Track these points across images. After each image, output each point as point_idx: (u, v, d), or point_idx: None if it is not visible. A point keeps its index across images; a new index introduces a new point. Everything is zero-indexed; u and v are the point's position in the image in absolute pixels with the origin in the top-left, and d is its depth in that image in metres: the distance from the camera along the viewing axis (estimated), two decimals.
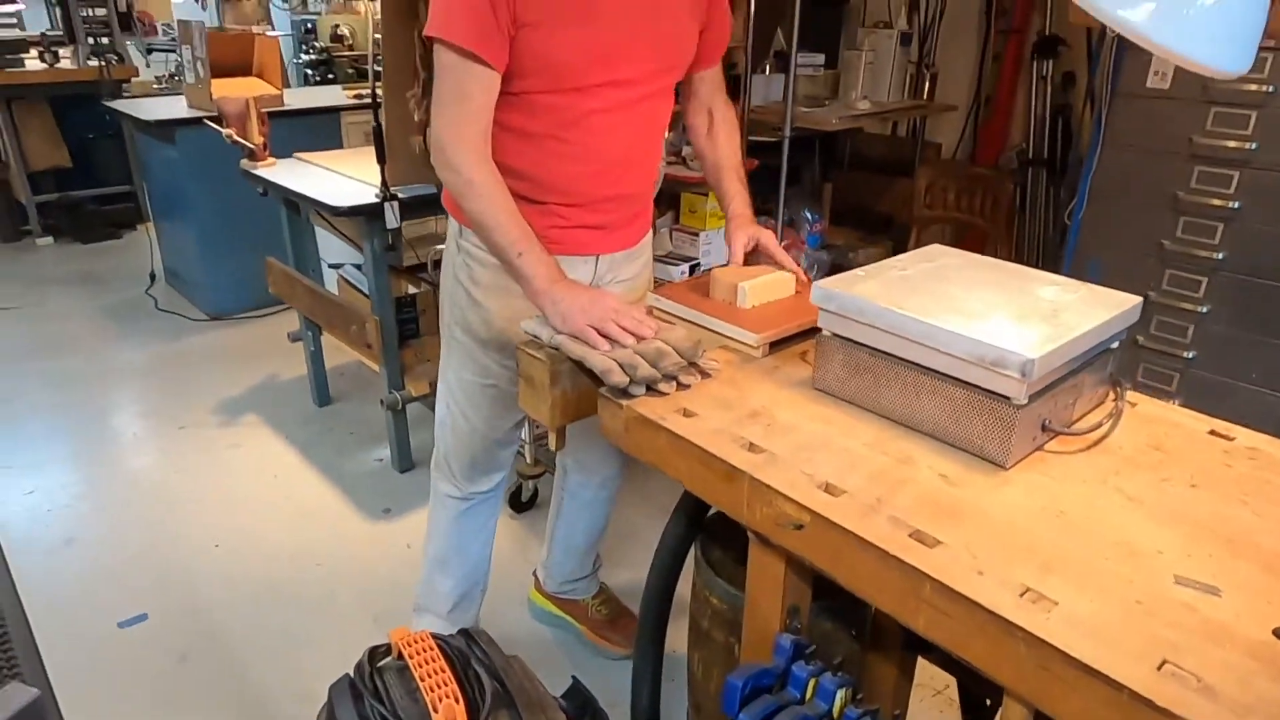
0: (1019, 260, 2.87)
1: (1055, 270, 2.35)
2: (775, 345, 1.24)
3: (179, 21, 4.08)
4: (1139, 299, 1.05)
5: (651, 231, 1.57)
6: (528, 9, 1.18)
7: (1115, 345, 1.06)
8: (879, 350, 1.02)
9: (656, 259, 2.47)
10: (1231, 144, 1.82)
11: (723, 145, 1.51)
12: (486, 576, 1.78)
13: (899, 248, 3.05)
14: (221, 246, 3.57)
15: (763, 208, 2.80)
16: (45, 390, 3.06)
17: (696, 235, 2.49)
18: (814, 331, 1.12)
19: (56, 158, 4.60)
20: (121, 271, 4.25)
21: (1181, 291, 1.98)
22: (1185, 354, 2.00)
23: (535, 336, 1.23)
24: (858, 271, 1.12)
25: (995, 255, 2.84)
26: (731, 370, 1.19)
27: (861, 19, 3.09)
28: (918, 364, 0.98)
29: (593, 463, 1.74)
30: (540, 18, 1.19)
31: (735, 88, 2.42)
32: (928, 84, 2.91)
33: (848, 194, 3.20)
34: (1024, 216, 2.90)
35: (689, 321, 1.30)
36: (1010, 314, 0.99)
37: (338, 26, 5.53)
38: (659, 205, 2.47)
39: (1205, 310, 1.95)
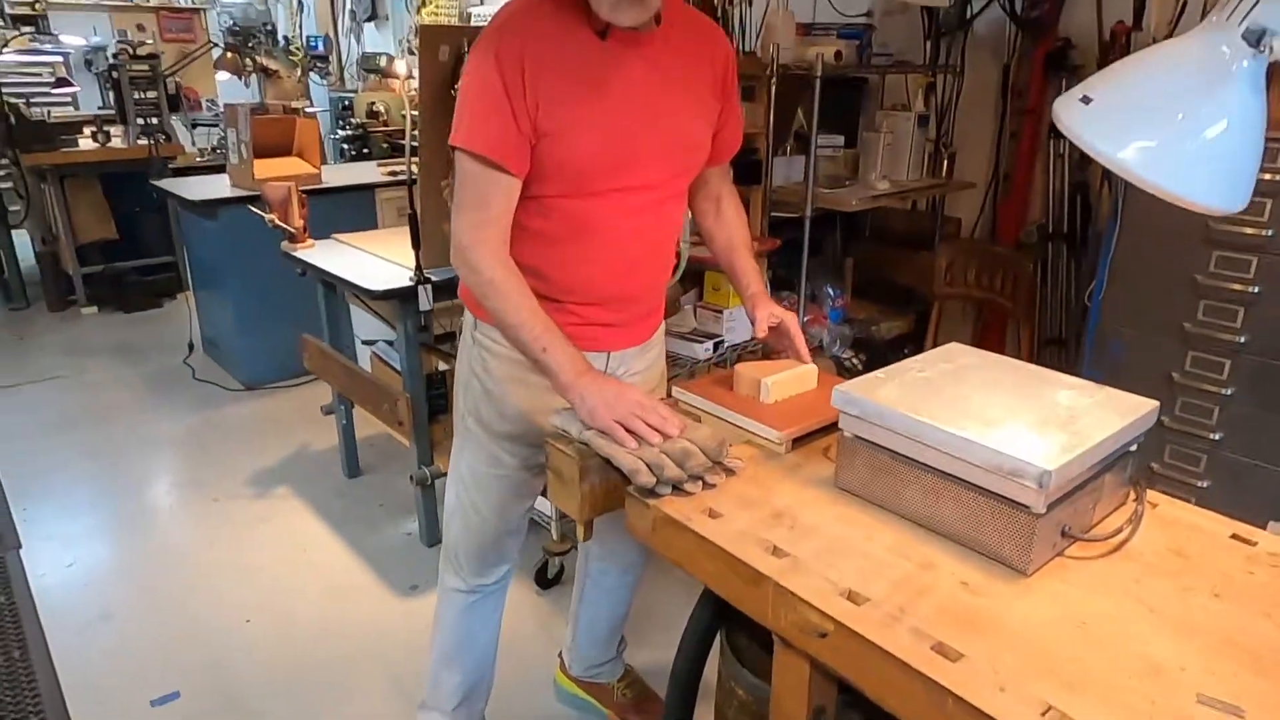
0: (1042, 335, 2.90)
1: (1078, 349, 2.37)
2: (798, 441, 1.27)
3: (226, 106, 4.28)
4: (1155, 404, 1.07)
5: (663, 326, 1.61)
6: (548, 118, 1.23)
7: (1134, 448, 1.08)
8: (899, 454, 1.05)
9: (682, 336, 2.52)
10: (1248, 230, 1.84)
11: (733, 225, 1.56)
12: (493, 669, 1.76)
13: (921, 322, 3.08)
14: (258, 318, 3.68)
15: (785, 283, 2.86)
16: (87, 460, 3.14)
17: (720, 312, 2.54)
18: (836, 426, 1.15)
19: (103, 231, 4.79)
20: (161, 340, 4.38)
21: (1205, 374, 1.98)
22: (1212, 435, 1.99)
23: (564, 431, 1.27)
24: (878, 374, 1.15)
25: (1018, 332, 2.87)
26: (755, 467, 1.21)
27: (880, 101, 3.18)
28: (937, 469, 1.01)
29: (616, 549, 1.76)
30: (559, 126, 1.24)
31: (756, 171, 2.50)
32: (946, 162, 2.97)
33: (869, 267, 3.25)
34: (1045, 290, 2.92)
35: (713, 416, 1.34)
36: (1027, 421, 1.01)
37: (373, 103, 5.76)
38: (683, 283, 2.53)
39: (1229, 392, 1.95)
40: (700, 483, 1.13)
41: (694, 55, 1.35)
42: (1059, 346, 2.93)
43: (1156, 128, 0.72)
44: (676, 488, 1.13)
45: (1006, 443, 0.95)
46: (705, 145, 1.42)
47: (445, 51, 2.10)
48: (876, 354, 3.05)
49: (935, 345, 2.86)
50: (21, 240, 5.01)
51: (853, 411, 1.09)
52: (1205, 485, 2.03)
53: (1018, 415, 1.03)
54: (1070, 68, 2.80)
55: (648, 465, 1.12)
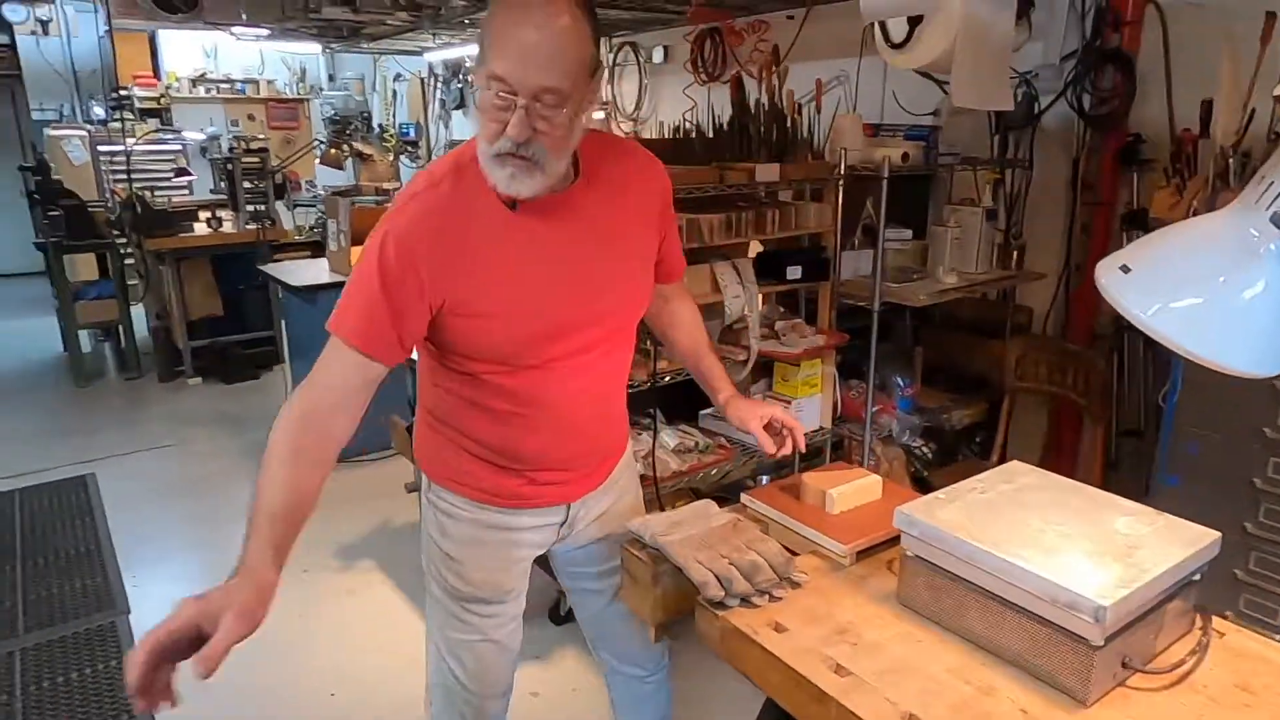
0: (1119, 427, 2.85)
1: (1157, 442, 2.33)
2: (862, 553, 1.32)
3: (328, 197, 4.63)
4: (1216, 535, 1.09)
5: (628, 455, 1.54)
6: (458, 302, 1.17)
7: (1197, 577, 1.10)
8: (959, 577, 1.09)
9: None
10: None
11: (693, 329, 1.55)
12: None
13: (993, 411, 3.07)
14: None
15: (854, 371, 2.91)
16: (190, 528, 3.36)
17: (789, 402, 2.61)
18: (899, 539, 1.20)
19: (211, 307, 5.17)
20: (259, 411, 4.66)
21: None
22: None
23: (639, 536, 1.36)
24: (939, 495, 1.21)
25: (1092, 431, 2.84)
26: (820, 578, 1.27)
27: (949, 193, 3.25)
28: (996, 594, 1.05)
29: (635, 654, 1.63)
30: (471, 310, 1.18)
31: (825, 268, 2.58)
32: (1016, 254, 3.00)
33: (939, 354, 3.27)
34: (1122, 381, 2.89)
35: (780, 525, 1.40)
36: (1086, 549, 1.05)
37: None
38: (754, 374, 2.61)
39: None
40: (767, 596, 1.20)
41: (624, 197, 1.28)
42: (1137, 439, 2.88)
43: (1191, 298, 0.78)
44: (744, 600, 1.19)
45: (1063, 573, 0.99)
46: (645, 291, 1.35)
47: None
48: (947, 443, 3.05)
49: (1007, 439, 2.87)
50: (138, 314, 5.44)
51: (913, 532, 1.14)
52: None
53: (1076, 543, 1.07)
54: (1141, 162, 2.82)
55: (717, 578, 1.19)
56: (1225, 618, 1.15)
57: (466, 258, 1.17)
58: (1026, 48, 2.82)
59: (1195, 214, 2.01)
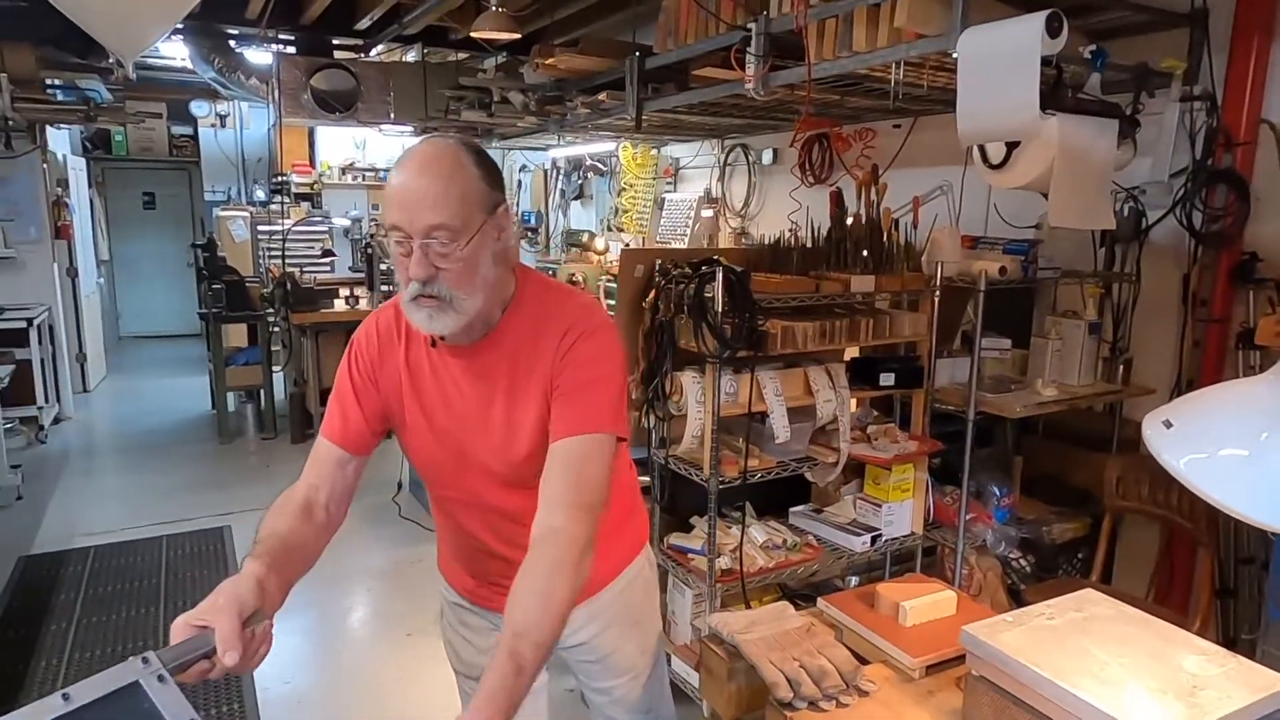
0: (1236, 553, 2.72)
1: (1262, 584, 2.23)
2: (932, 667, 1.37)
3: None
4: None
5: (619, 591, 1.54)
6: (392, 415, 1.37)
7: None
8: (1021, 701, 1.14)
9: (840, 527, 2.63)
10: None
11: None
12: None
13: (1095, 527, 2.98)
14: None
15: (950, 478, 2.91)
16: (309, 587, 3.57)
17: (880, 506, 2.64)
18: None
19: None
20: (376, 476, 4.98)
21: None
22: None
23: (718, 633, 1.45)
24: (1005, 617, 1.25)
25: (1203, 555, 2.72)
26: (889, 689, 1.33)
27: (1053, 304, 3.25)
28: None
29: None
30: (399, 426, 1.38)
31: (919, 375, 2.64)
32: (1121, 368, 2.96)
33: (1040, 463, 3.21)
34: None
35: (853, 632, 1.46)
36: (1147, 685, 1.08)
37: (574, 274, 6.44)
38: (845, 475, 2.66)
39: None
40: (834, 702, 1.27)
41: (530, 358, 1.30)
42: (1253, 565, 2.74)
43: (1228, 455, 0.84)
44: (812, 704, 1.26)
45: (1122, 708, 1.03)
46: (537, 454, 1.28)
47: (640, 269, 2.46)
48: (1046, 556, 2.98)
49: (1109, 558, 2.78)
50: (278, 380, 5.96)
51: (977, 653, 1.20)
52: None
53: (1139, 677, 1.10)
54: (1257, 280, 2.77)
55: (788, 679, 1.27)
56: None
57: (398, 376, 1.36)
58: (1134, 162, 2.85)
59: None
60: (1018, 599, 2.89)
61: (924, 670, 1.35)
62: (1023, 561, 2.95)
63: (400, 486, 4.70)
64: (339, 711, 2.73)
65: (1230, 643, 2.71)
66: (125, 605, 3.44)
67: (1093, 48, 2.51)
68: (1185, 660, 1.14)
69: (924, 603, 1.46)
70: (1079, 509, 3.07)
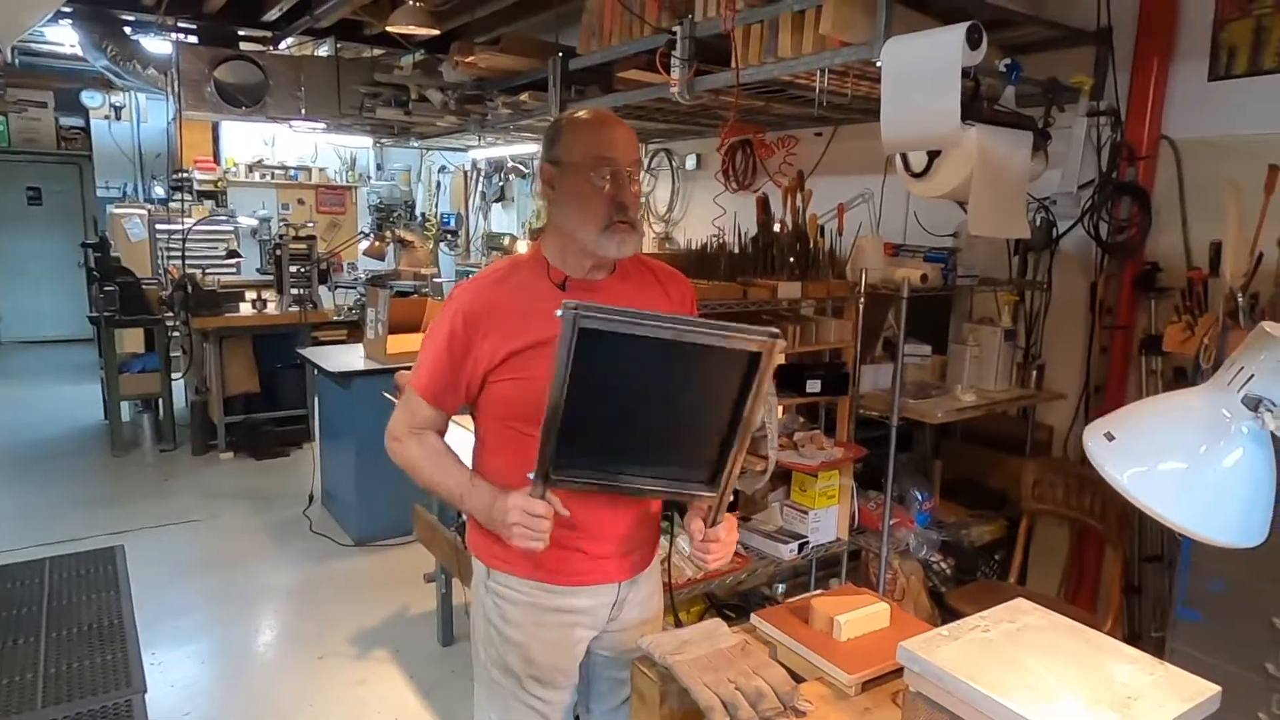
0: (1141, 551, 2.83)
1: (1172, 585, 2.32)
2: (868, 683, 1.34)
3: (369, 286, 4.83)
4: (1217, 689, 1.11)
5: (657, 562, 1.68)
6: (507, 367, 1.42)
7: None
8: (958, 717, 1.12)
9: (767, 535, 2.61)
10: None
11: None
12: None
13: (1012, 529, 3.06)
14: (374, 477, 3.97)
15: (873, 483, 2.93)
16: (213, 606, 3.41)
17: (807, 513, 2.64)
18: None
19: (249, 385, 5.33)
20: (286, 489, 4.75)
21: None
22: None
23: (649, 654, 1.39)
24: (941, 631, 1.24)
25: (1112, 555, 2.82)
26: (825, 708, 1.29)
27: (969, 311, 3.33)
28: None
29: None
30: (520, 373, 1.42)
31: (844, 382, 2.65)
32: (1035, 373, 3.05)
33: (959, 467, 3.29)
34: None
35: (787, 648, 1.43)
36: (1083, 697, 1.07)
37: None
38: (773, 483, 2.65)
39: None
40: None
41: (654, 290, 1.55)
42: (1159, 564, 2.85)
43: (1169, 468, 0.84)
44: None
45: None
46: None
47: None
48: (966, 559, 3.04)
49: (1025, 560, 2.85)
50: (178, 388, 5.62)
51: (915, 669, 1.17)
52: None
53: (1073, 689, 1.09)
54: (1158, 289, 2.89)
55: (723, 703, 1.22)
56: None
57: (522, 323, 1.41)
58: (1045, 174, 2.94)
59: (1206, 350, 2.07)
60: (939, 602, 2.94)
61: (860, 687, 1.32)
62: (943, 564, 3.00)
63: (311, 499, 4.48)
64: None
65: (1135, 638, 2.81)
66: (2, 635, 3.15)
67: (1008, 61, 2.57)
68: (1116, 670, 1.15)
69: (858, 616, 1.43)
70: (996, 511, 3.15)
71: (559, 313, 1.15)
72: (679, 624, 2.47)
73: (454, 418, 1.55)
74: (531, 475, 1.30)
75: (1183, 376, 2.90)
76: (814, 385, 2.56)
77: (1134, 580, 2.97)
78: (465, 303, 1.44)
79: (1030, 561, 2.94)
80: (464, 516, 1.75)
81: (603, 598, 1.52)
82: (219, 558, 3.87)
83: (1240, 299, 2.00)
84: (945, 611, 2.80)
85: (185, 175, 7.13)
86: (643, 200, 5.38)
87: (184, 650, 3.08)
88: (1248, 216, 2.02)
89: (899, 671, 1.32)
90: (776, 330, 1.23)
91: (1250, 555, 2.08)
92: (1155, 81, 2.88)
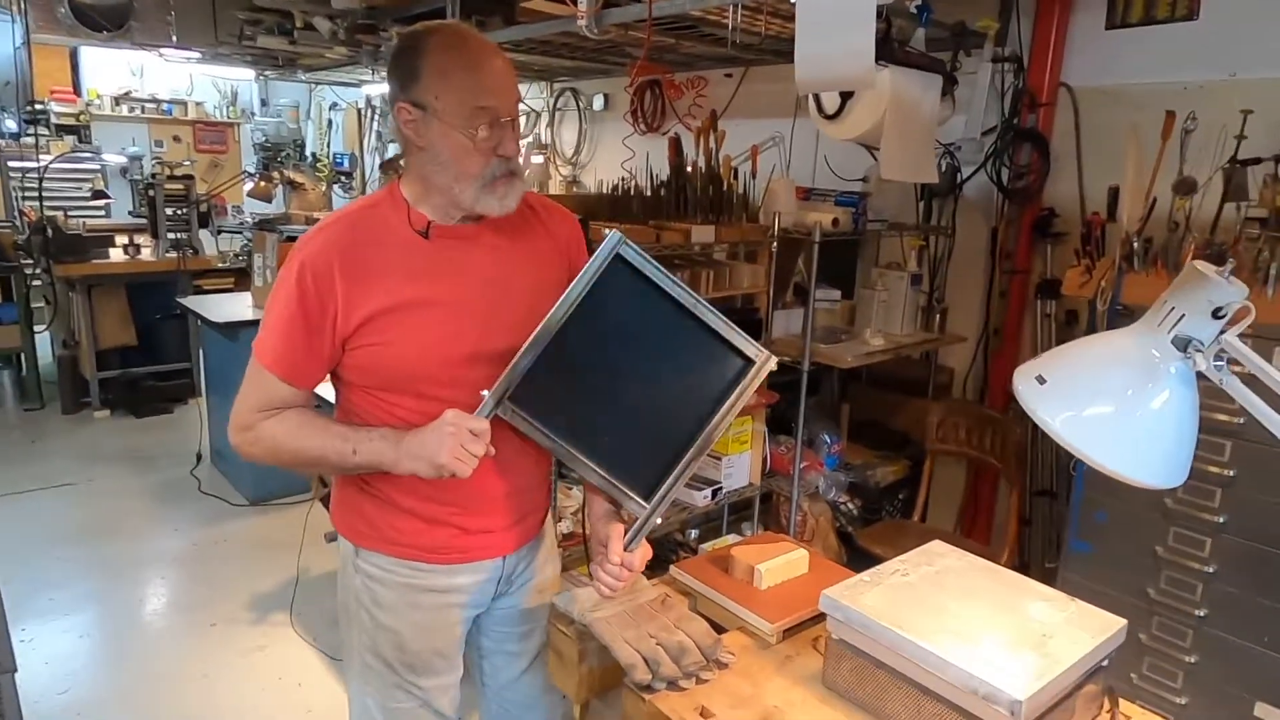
0: (1033, 486, 2.97)
1: (1064, 517, 2.44)
2: (789, 630, 1.33)
3: (256, 231, 4.50)
4: (1123, 623, 1.14)
5: (550, 522, 1.55)
6: (371, 327, 1.22)
7: (1106, 663, 1.14)
8: (882, 663, 1.11)
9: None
10: (1220, 417, 1.94)
11: None
12: None
13: (915, 469, 3.16)
14: None
15: (783, 428, 2.95)
16: (91, 578, 3.17)
17: (720, 459, 2.62)
18: (825, 616, 1.21)
19: (124, 337, 4.94)
20: (170, 448, 4.46)
21: (1188, 549, 2.05)
22: (1197, 612, 2.04)
23: (565, 612, 1.34)
24: (863, 576, 1.23)
25: (1009, 490, 2.95)
26: (748, 658, 1.27)
27: (876, 256, 3.36)
28: (917, 682, 1.07)
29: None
30: (386, 336, 1.22)
31: (757, 329, 2.63)
32: (939, 317, 3.12)
33: (865, 410, 3.35)
34: (1036, 441, 3.01)
35: (708, 599, 1.40)
36: (1002, 638, 1.08)
37: None
38: None
39: (1212, 570, 2.01)
40: (694, 679, 1.19)
41: (532, 234, 1.34)
42: (1050, 499, 3.00)
43: (1100, 412, 0.83)
44: (671, 683, 1.18)
45: (982, 665, 1.02)
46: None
47: None
48: (871, 499, 3.12)
49: (929, 496, 2.94)
50: (41, 340, 5.16)
51: (838, 616, 1.16)
52: (1193, 660, 2.06)
53: (994, 629, 1.10)
54: (1054, 235, 2.98)
55: (645, 660, 1.18)
56: (1133, 702, 1.20)
57: (382, 279, 1.22)
58: (951, 120, 2.96)
59: (1103, 292, 2.13)
60: (847, 541, 3.01)
61: (781, 634, 1.31)
62: (850, 505, 3.07)
63: (200, 458, 4.22)
64: (131, 718, 2.40)
65: (1025, 568, 2.95)
66: None
67: (918, 2, 2.54)
68: (1031, 608, 1.16)
69: (778, 564, 1.42)
70: (899, 453, 3.24)
71: (606, 231, 1.18)
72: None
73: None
74: (486, 392, 1.19)
75: (1075, 320, 3.02)
76: None
77: (1025, 513, 3.12)
78: (313, 255, 1.21)
79: (930, 499, 3.04)
80: (329, 487, 1.49)
81: (485, 574, 1.38)
82: (98, 524, 3.60)
83: (1136, 243, 2.05)
84: (854, 551, 2.87)
85: (40, 107, 6.44)
86: (548, 143, 5.20)
87: (59, 625, 2.85)
88: (1144, 164, 2.07)
89: (820, 618, 1.31)
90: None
91: (1133, 489, 2.20)
92: (1056, 28, 2.92)
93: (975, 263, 3.22)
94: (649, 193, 2.58)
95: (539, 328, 1.18)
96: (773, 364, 1.30)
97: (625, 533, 1.27)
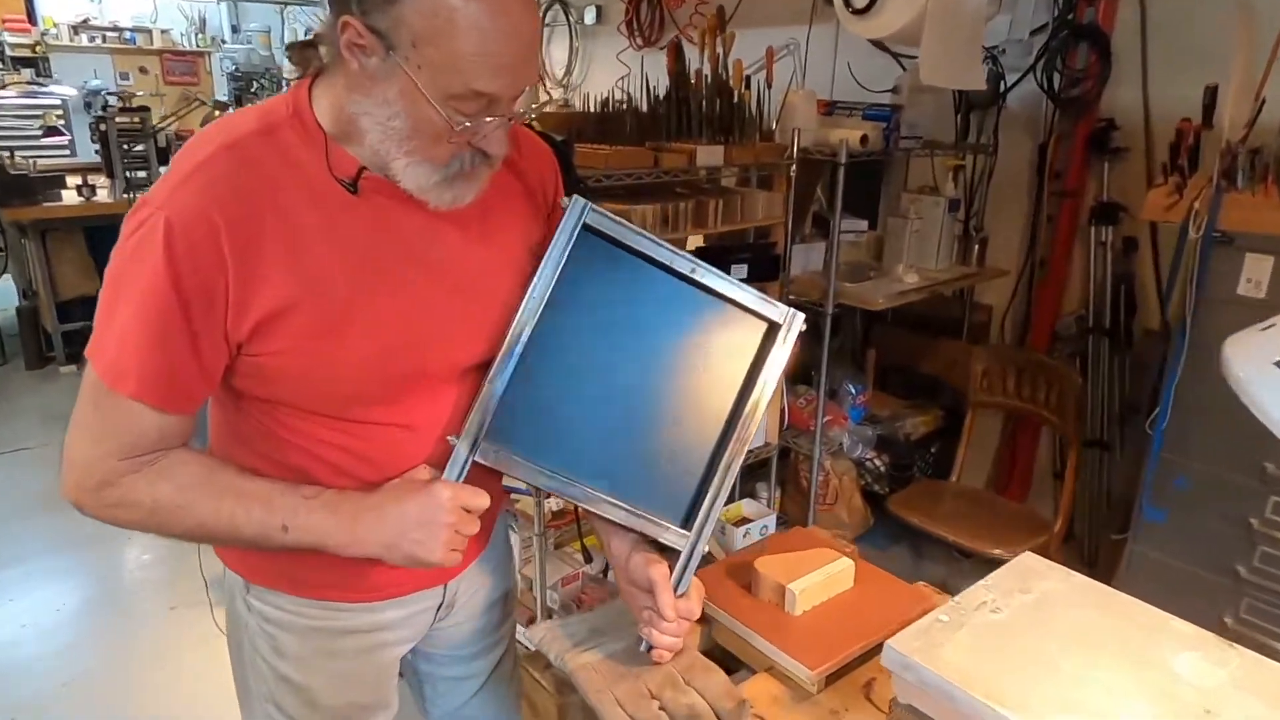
0: (1088, 446, 2.63)
1: (1135, 477, 2.12)
2: (833, 675, 1.02)
3: None
4: None
5: (502, 525, 1.22)
6: (275, 327, 0.82)
7: None
8: None
9: None
10: None
11: None
12: None
13: (949, 417, 2.84)
14: None
15: (802, 378, 2.62)
16: (51, 554, 2.90)
17: None
18: (880, 649, 0.90)
19: (86, 287, 4.59)
20: None
21: None
22: None
23: (544, 651, 1.03)
24: (940, 615, 0.91)
25: (1055, 440, 2.62)
26: (779, 713, 0.96)
27: (904, 180, 2.97)
28: None
29: None
30: (295, 341, 0.83)
31: (774, 265, 2.27)
32: (976, 249, 2.75)
33: (891, 353, 3.02)
34: (1085, 388, 2.68)
35: (726, 628, 1.09)
36: (1148, 716, 0.77)
37: None
38: None
39: None
40: None
41: (506, 189, 0.95)
42: (1100, 450, 2.68)
43: None
44: None
45: None
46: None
47: None
48: (901, 455, 2.80)
49: (967, 454, 2.61)
50: (6, 291, 4.82)
51: (909, 679, 0.84)
52: None
53: (1132, 699, 0.78)
54: (1113, 150, 2.59)
55: None
56: None
57: (291, 254, 0.82)
58: (994, 20, 2.54)
59: (1196, 217, 1.76)
60: (874, 502, 2.71)
61: (824, 682, 1.00)
62: (877, 461, 2.76)
63: None
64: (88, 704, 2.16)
65: (1069, 535, 2.63)
66: None
67: None
68: (1177, 661, 0.84)
69: (815, 581, 1.10)
70: (930, 401, 2.91)
71: (564, 201, 0.86)
72: (588, 557, 2.15)
73: None
74: (453, 438, 0.87)
75: (1134, 249, 2.65)
76: (740, 271, 2.17)
77: (1061, 468, 2.82)
78: (185, 215, 0.78)
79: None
80: None
81: (423, 604, 1.06)
82: (54, 495, 3.31)
83: (1240, 154, 1.68)
84: (883, 515, 2.57)
85: None
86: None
87: (19, 605, 2.60)
88: (1256, 55, 1.68)
89: (875, 651, 1.00)
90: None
91: (1224, 449, 1.87)
92: None
93: (1019, 185, 2.84)
94: (645, 109, 2.19)
95: (509, 335, 0.87)
96: (801, 322, 0.96)
97: (671, 574, 0.94)
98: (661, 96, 2.18)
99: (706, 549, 0.91)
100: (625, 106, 2.14)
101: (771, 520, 2.35)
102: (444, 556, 0.86)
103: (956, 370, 2.82)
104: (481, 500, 0.87)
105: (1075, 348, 2.75)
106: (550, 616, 1.98)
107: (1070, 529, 2.66)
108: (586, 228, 0.86)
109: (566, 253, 0.86)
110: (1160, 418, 1.85)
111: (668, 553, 0.92)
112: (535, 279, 0.86)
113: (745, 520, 2.26)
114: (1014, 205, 2.84)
